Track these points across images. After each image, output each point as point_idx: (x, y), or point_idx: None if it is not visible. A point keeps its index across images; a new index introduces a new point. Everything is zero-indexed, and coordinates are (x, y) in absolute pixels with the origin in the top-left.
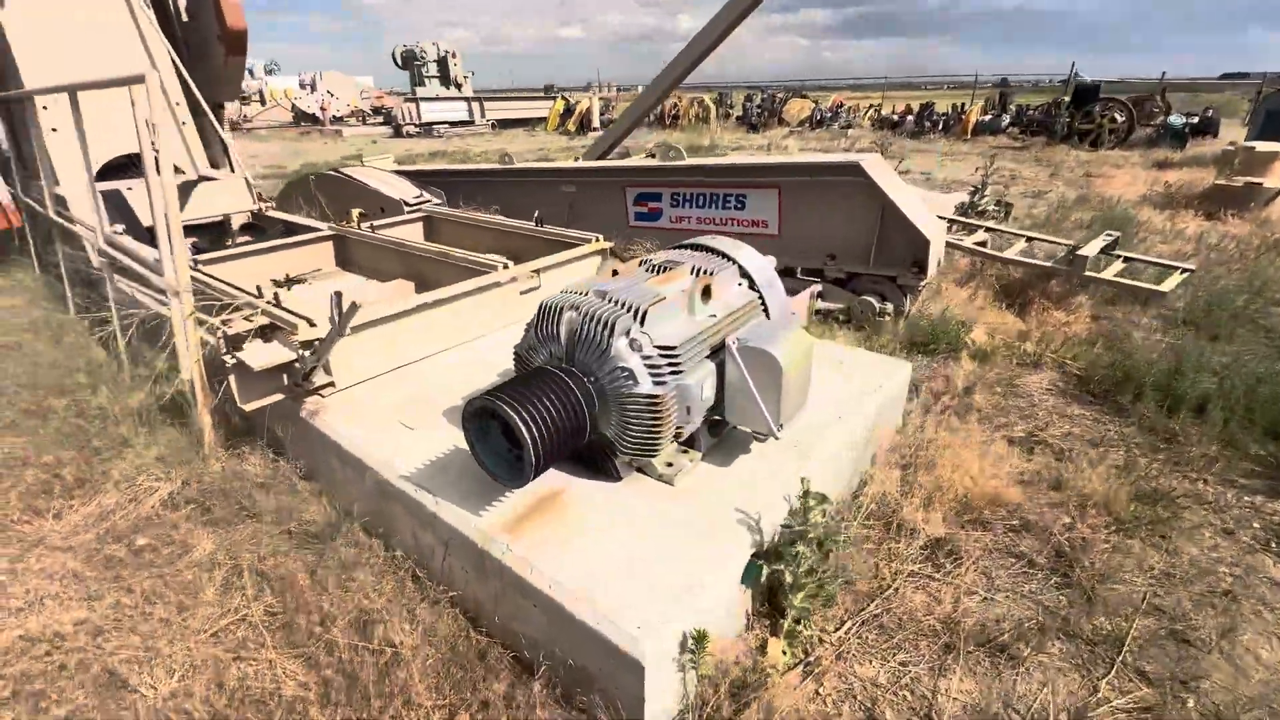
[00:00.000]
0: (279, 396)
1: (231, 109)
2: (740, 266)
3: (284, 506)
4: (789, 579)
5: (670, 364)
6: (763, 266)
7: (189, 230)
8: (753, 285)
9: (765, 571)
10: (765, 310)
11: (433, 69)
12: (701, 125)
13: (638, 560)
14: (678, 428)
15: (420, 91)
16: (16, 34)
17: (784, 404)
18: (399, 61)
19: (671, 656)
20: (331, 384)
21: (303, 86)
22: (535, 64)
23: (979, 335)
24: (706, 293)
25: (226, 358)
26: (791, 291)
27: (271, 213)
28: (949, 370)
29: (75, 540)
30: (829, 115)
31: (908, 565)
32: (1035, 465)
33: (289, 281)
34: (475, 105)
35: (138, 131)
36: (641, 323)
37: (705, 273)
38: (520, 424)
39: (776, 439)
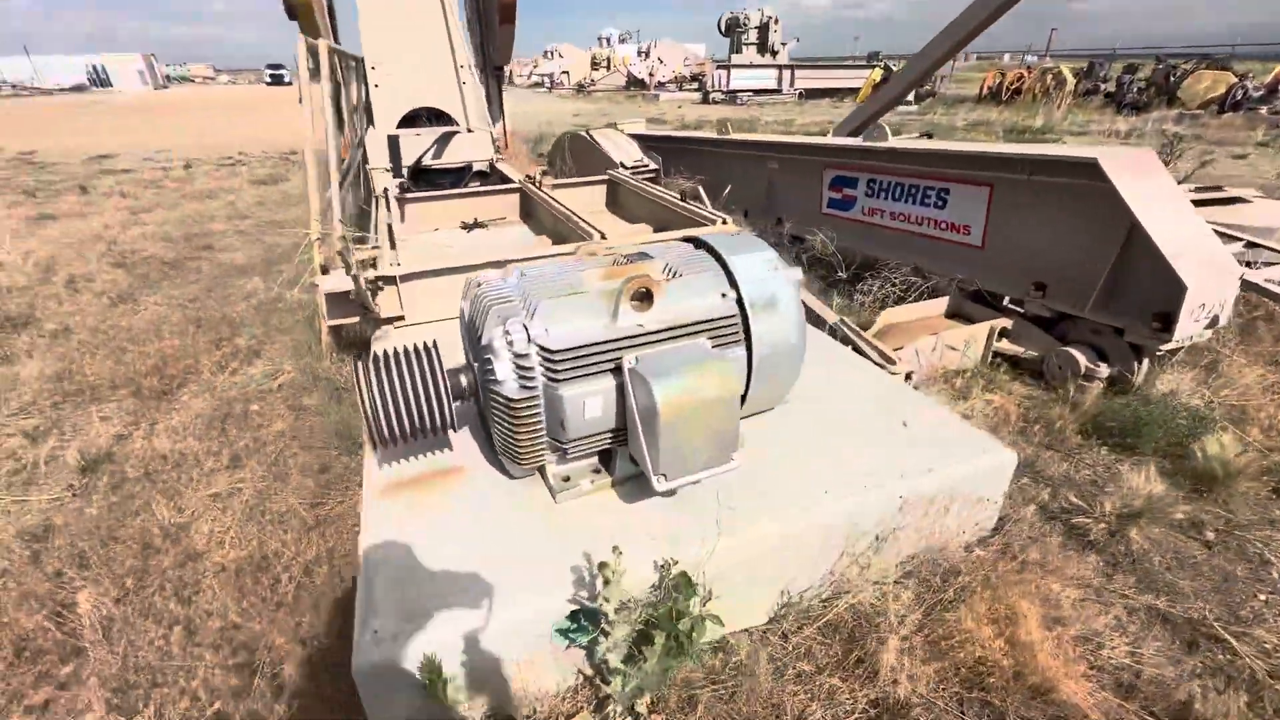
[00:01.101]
0: (355, 319)
1: (580, 74)
2: (728, 274)
3: (343, 414)
4: (601, 654)
5: (547, 368)
6: (760, 279)
7: (441, 173)
8: (741, 301)
9: (583, 636)
10: (747, 333)
11: (752, 35)
12: (1045, 101)
13: (440, 559)
14: (563, 442)
15: (735, 59)
16: (366, 11)
17: (662, 452)
18: (722, 29)
19: (408, 677)
20: (402, 318)
21: (639, 54)
22: (891, 30)
23: (1233, 440)
24: (643, 297)
25: (315, 280)
26: (971, 321)
27: (500, 164)
28: (1123, 483)
29: (226, 394)
30: (1259, 94)
31: (833, 712)
32: (1136, 666)
33: (474, 224)
34: (785, 73)
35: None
36: (532, 316)
37: (674, 273)
38: (362, 393)
39: (658, 492)
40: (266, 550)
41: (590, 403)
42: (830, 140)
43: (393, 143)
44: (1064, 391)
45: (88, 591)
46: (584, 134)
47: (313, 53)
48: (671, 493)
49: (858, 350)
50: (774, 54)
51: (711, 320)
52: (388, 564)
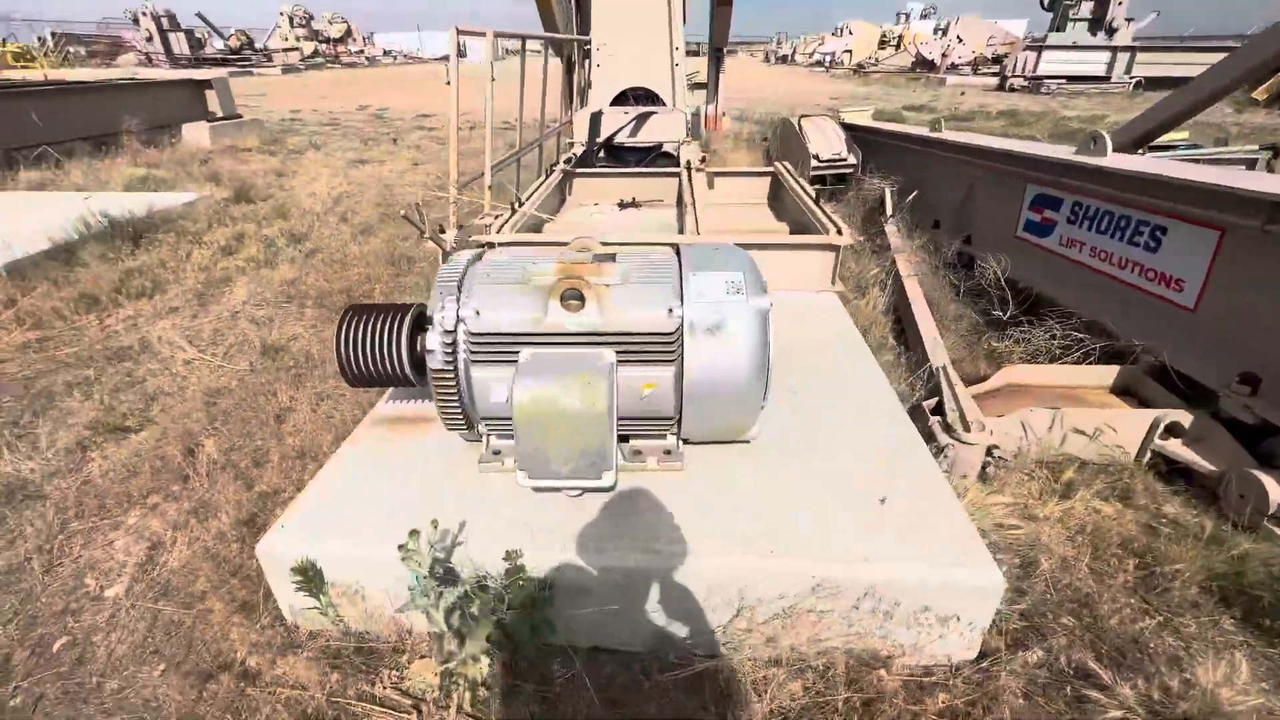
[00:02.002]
0: None
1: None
2: (679, 288)
3: None
4: (436, 614)
5: (468, 347)
6: (712, 301)
7: (633, 150)
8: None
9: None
10: (680, 361)
11: (1083, 10)
12: None
13: (369, 491)
14: (474, 419)
15: (1053, 38)
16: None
17: (521, 452)
18: (1044, 2)
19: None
20: None
21: (935, 32)
22: None
23: None
24: (574, 298)
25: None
26: (1146, 404)
27: (684, 147)
28: (1199, 670)
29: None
30: None
31: None
32: None
33: (629, 204)
34: (1120, 57)
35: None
36: (467, 298)
37: (627, 280)
38: (337, 333)
39: (520, 486)
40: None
41: (496, 388)
42: (1036, 148)
43: (594, 119)
44: (1234, 527)
45: (213, 440)
46: (792, 121)
47: (550, 32)
48: (582, 495)
49: (940, 405)
50: (1111, 32)
51: (644, 334)
52: (330, 480)
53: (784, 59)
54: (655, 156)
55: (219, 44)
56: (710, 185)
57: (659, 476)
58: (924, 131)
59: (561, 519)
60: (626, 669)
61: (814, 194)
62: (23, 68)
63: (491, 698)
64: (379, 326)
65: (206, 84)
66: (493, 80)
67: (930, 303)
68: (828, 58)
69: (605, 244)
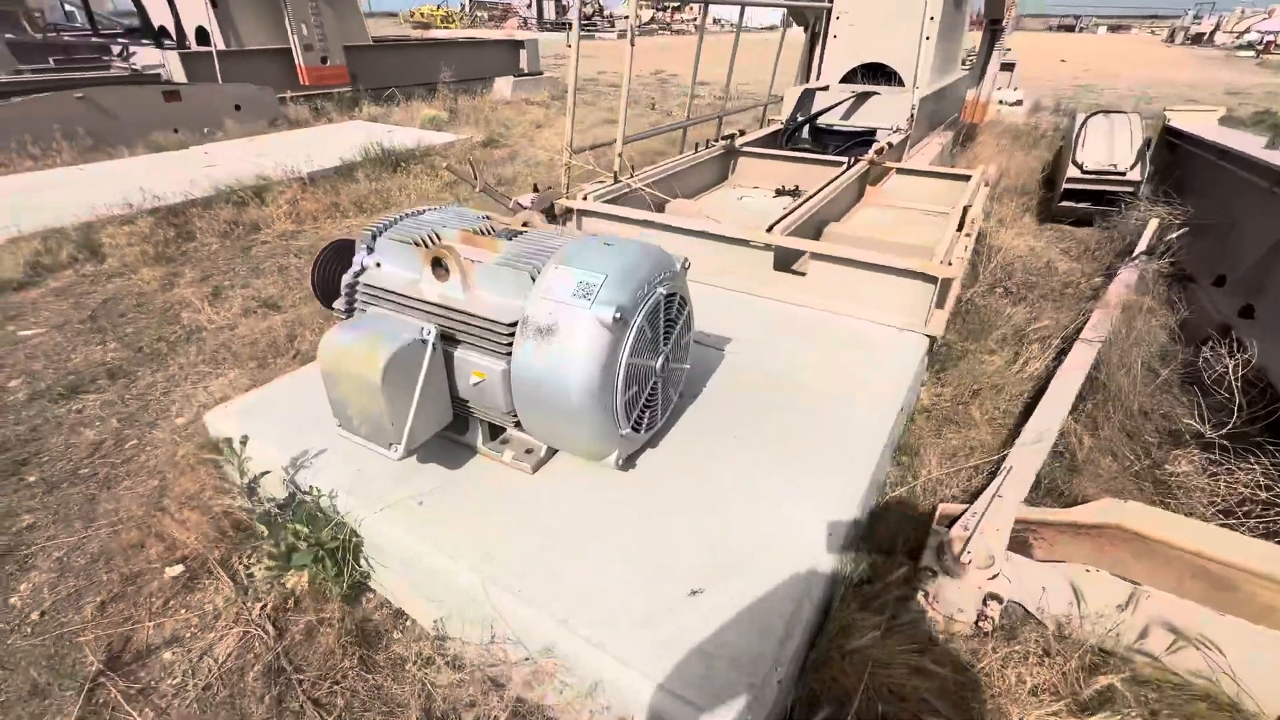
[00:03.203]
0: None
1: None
2: (533, 276)
3: None
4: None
5: (361, 296)
6: (555, 301)
7: (843, 135)
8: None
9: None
10: (511, 358)
11: None
12: None
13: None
14: None
15: None
16: None
17: (331, 402)
18: None
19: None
20: None
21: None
22: None
23: None
24: (438, 266)
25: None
26: None
27: (893, 135)
28: None
29: None
30: None
31: None
32: None
33: (786, 192)
34: None
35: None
36: (372, 251)
37: (507, 263)
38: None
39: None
40: None
41: None
42: None
43: (805, 96)
44: None
45: (311, 333)
46: (1080, 115)
47: None
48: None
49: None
50: None
51: (484, 320)
52: (279, 386)
53: (1197, 39)
54: (856, 144)
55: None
56: (873, 181)
57: (505, 471)
58: (1251, 146)
59: (391, 480)
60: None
61: (978, 213)
62: (444, 26)
63: (294, 613)
64: (329, 261)
65: (521, 44)
66: (632, 45)
67: (1106, 383)
68: (1266, 39)
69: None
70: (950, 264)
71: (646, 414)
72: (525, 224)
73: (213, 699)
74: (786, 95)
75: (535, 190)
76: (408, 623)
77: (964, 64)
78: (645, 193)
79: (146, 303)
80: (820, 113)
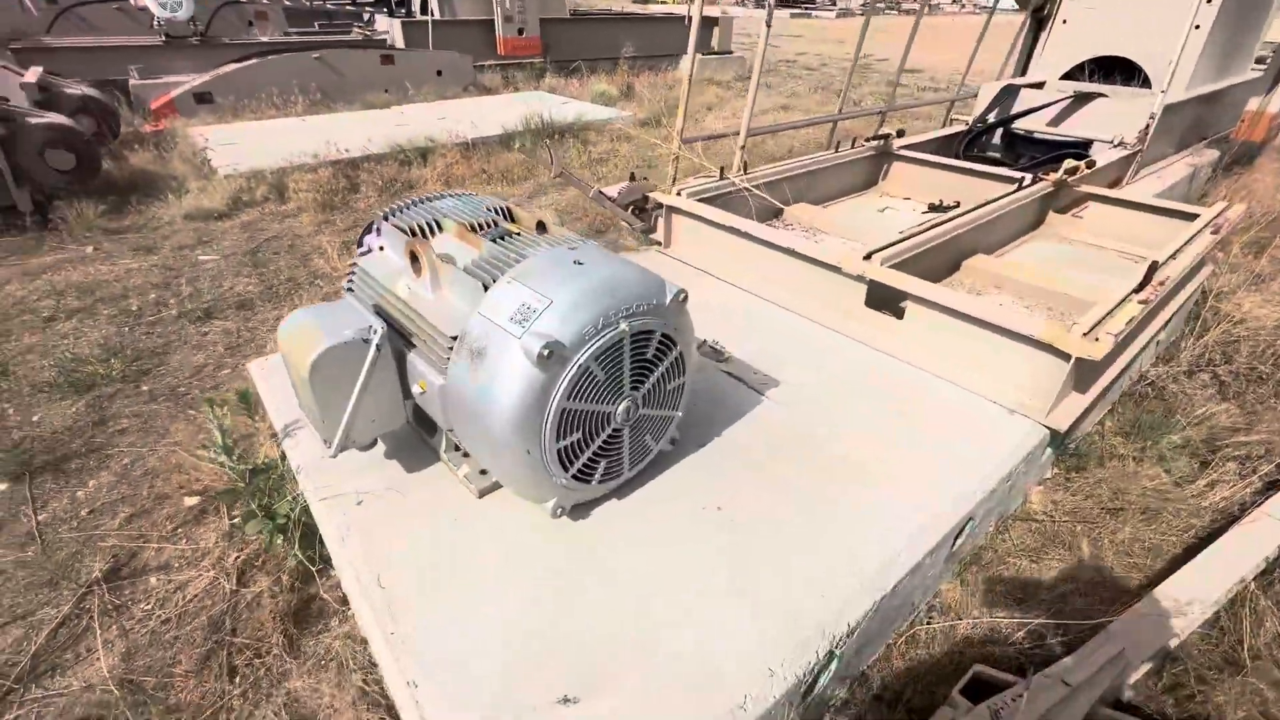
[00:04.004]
0: (639, 226)
1: None
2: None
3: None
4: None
5: (359, 278)
6: (494, 320)
7: (1037, 143)
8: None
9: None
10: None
11: None
12: None
13: None
14: None
15: None
16: None
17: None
18: None
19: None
20: (659, 243)
21: None
22: None
23: None
24: (413, 260)
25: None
26: None
27: (1113, 150)
28: None
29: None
30: None
31: None
32: None
33: (942, 206)
34: None
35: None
36: (379, 234)
37: (476, 269)
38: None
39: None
40: None
41: None
42: None
43: (1004, 92)
44: None
45: None
46: None
47: None
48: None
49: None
50: None
51: (432, 327)
52: None
53: None
54: (1060, 157)
55: None
56: (1061, 207)
57: (455, 489)
58: None
59: (351, 469)
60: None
61: (1181, 270)
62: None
63: (258, 573)
64: (362, 235)
65: (715, 21)
66: (768, 26)
67: None
68: None
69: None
70: (1098, 339)
71: (601, 464)
72: (538, 226)
73: (161, 636)
74: (982, 91)
75: (631, 179)
76: (351, 612)
77: (1259, 64)
78: (751, 194)
79: (297, 245)
80: (1021, 114)
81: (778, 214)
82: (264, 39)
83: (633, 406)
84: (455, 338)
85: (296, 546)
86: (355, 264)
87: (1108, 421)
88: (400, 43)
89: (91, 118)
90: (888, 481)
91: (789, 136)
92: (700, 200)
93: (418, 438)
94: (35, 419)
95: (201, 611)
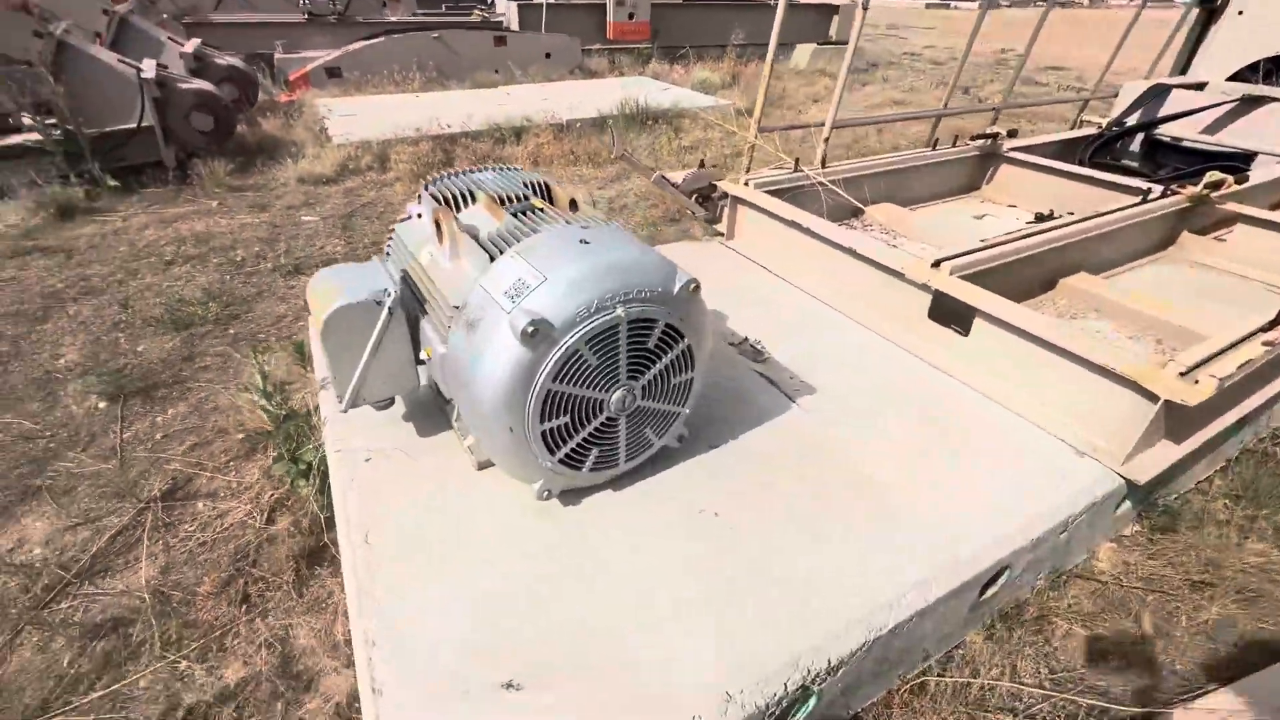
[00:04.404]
0: (701, 214)
1: None
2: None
3: None
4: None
5: (397, 240)
6: (494, 293)
7: (1186, 152)
8: None
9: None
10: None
11: None
12: None
13: None
14: None
15: None
16: None
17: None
18: None
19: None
20: (721, 234)
21: None
22: None
23: None
24: (438, 227)
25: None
26: None
27: (1275, 167)
28: None
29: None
30: None
31: None
32: None
33: (1046, 216)
34: None
35: None
36: (420, 199)
37: (494, 239)
38: None
39: None
40: None
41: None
42: None
43: (1150, 93)
44: None
45: None
46: None
47: None
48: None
49: None
50: None
51: (441, 294)
52: None
53: None
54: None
55: None
56: (1199, 228)
57: (459, 457)
58: None
59: (372, 423)
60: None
61: None
62: None
63: (285, 510)
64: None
65: (835, 9)
66: (865, 9)
67: None
68: None
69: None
70: (1198, 382)
71: (593, 451)
72: (569, 202)
73: (196, 556)
74: (1124, 90)
75: (701, 166)
76: None
77: None
78: (825, 189)
79: (386, 212)
80: (1170, 118)
81: (857, 213)
82: (394, 19)
83: (629, 396)
84: (458, 307)
85: (315, 492)
86: (394, 229)
87: (1217, 480)
88: (515, 25)
89: (235, 86)
90: (913, 511)
91: (896, 134)
92: (768, 192)
93: (436, 402)
94: (140, 349)
95: (232, 540)
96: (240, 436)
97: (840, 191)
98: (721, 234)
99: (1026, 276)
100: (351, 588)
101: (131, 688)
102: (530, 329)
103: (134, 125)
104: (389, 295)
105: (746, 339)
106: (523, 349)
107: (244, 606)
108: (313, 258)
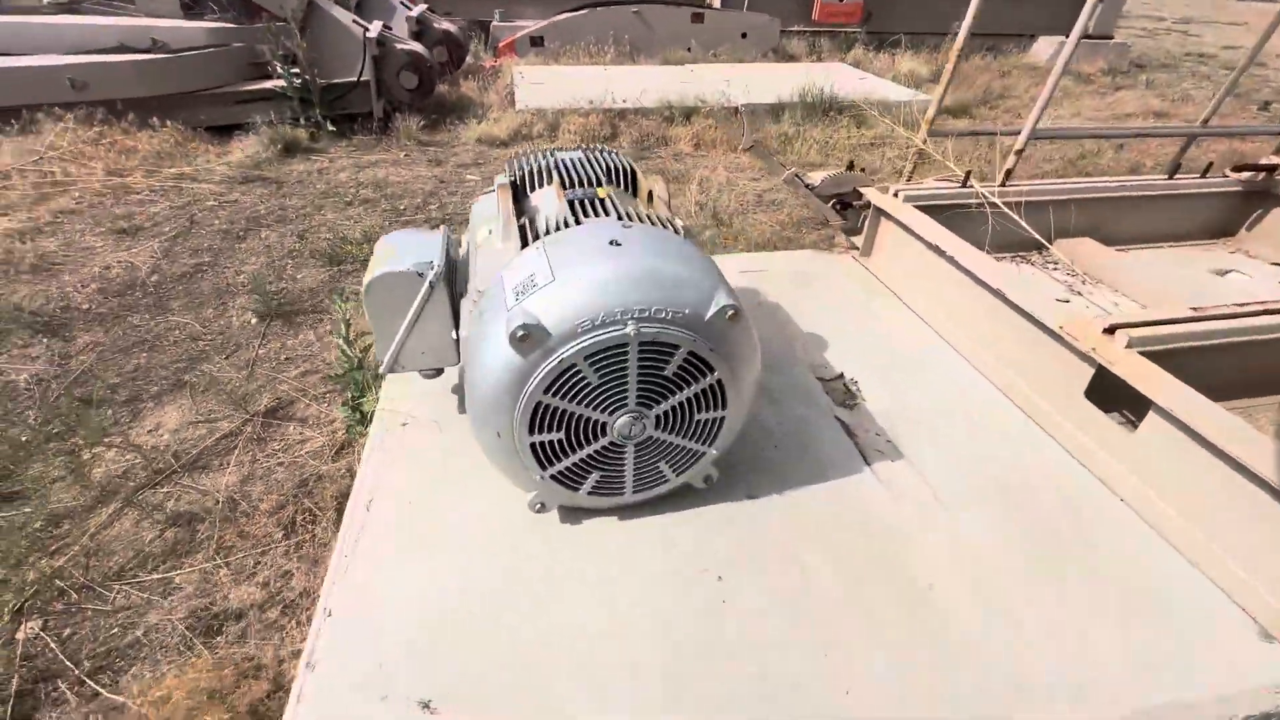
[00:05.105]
0: (839, 222)
1: None
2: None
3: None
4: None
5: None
6: (497, 288)
7: None
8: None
9: None
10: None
11: None
12: None
13: None
14: None
15: None
16: None
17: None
18: None
19: None
20: (856, 247)
21: None
22: None
23: None
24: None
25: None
26: None
27: None
28: None
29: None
30: None
31: None
32: None
33: None
34: None
35: None
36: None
37: (547, 223)
38: None
39: None
40: None
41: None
42: None
43: None
44: None
45: None
46: None
47: None
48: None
49: None
50: None
51: (473, 276)
52: None
53: None
54: None
55: None
56: None
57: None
58: None
59: (422, 387)
60: None
61: None
62: None
63: (349, 451)
64: None
65: None
66: None
67: None
68: None
69: None
70: None
71: (593, 475)
72: (651, 194)
73: (270, 475)
74: None
75: (849, 168)
76: None
77: None
78: (996, 212)
79: None
80: None
81: (1041, 247)
82: None
83: (637, 424)
84: (481, 292)
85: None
86: (476, 200)
87: None
88: (717, 2)
89: (445, 49)
90: (975, 655)
91: (1146, 154)
92: (919, 207)
93: None
94: (299, 276)
95: (303, 466)
96: (340, 373)
97: (1014, 215)
98: (858, 248)
99: (1252, 370)
100: (337, 550)
101: (181, 579)
102: (521, 333)
103: (354, 79)
104: (432, 268)
105: (842, 375)
106: (509, 352)
107: (286, 532)
108: (461, 214)
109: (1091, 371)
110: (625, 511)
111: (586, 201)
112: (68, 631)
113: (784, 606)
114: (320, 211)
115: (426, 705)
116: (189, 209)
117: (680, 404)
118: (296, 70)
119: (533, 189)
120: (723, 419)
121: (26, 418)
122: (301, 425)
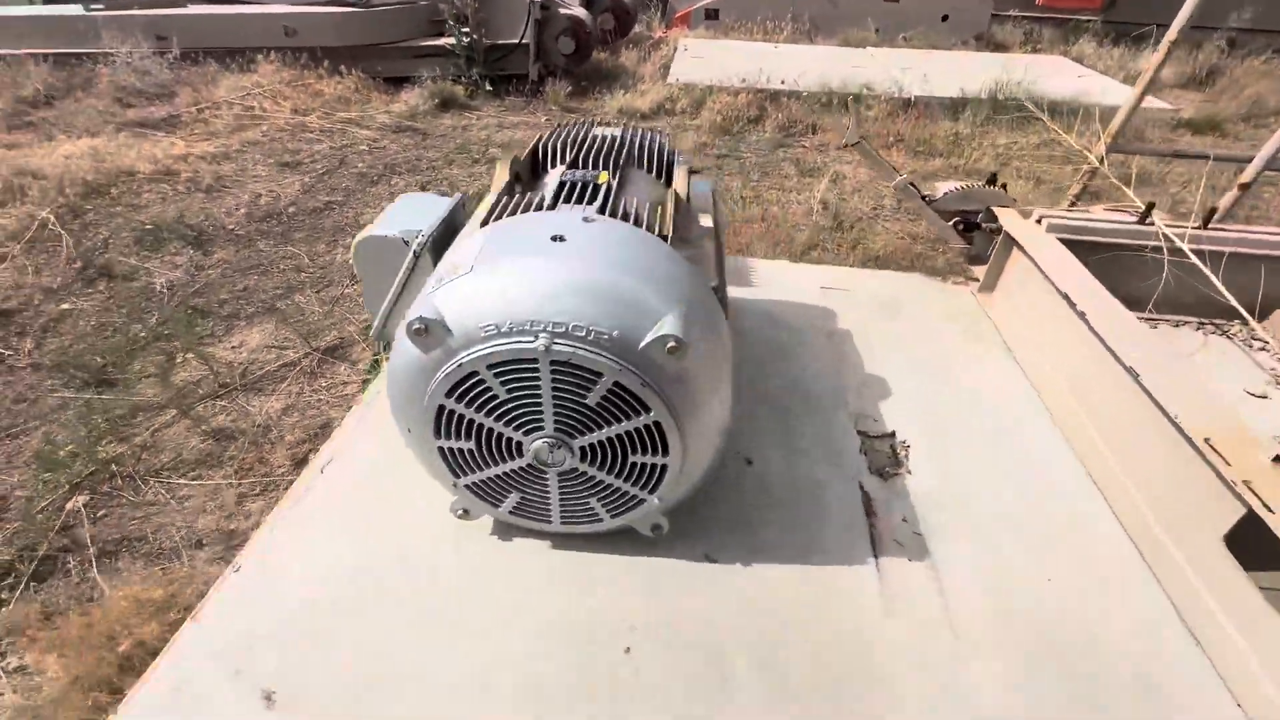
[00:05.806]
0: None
1: None
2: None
3: None
4: None
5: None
6: (433, 281)
7: None
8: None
9: None
10: None
11: None
12: None
13: None
14: None
15: None
16: None
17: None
18: None
19: None
20: (977, 279)
21: None
22: None
23: None
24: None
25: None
26: None
27: None
28: None
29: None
30: None
31: None
32: None
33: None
34: None
35: None
36: None
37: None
38: None
39: None
40: None
41: None
42: None
43: None
44: None
45: None
46: None
47: None
48: None
49: None
50: None
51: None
52: None
53: None
54: None
55: None
56: None
57: None
58: None
59: None
60: None
61: None
62: None
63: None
64: None
65: None
66: None
67: None
68: None
69: None
70: None
71: (512, 495)
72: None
73: (307, 409)
74: None
75: (990, 182)
76: None
77: None
78: (1184, 262)
79: None
80: None
81: (1234, 315)
82: None
83: (556, 451)
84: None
85: None
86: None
87: None
88: None
89: (613, 16)
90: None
91: None
92: (1067, 240)
93: None
94: None
95: (335, 407)
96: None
97: (1204, 268)
98: (978, 280)
99: None
100: (284, 503)
101: (196, 491)
102: (417, 326)
103: (515, 41)
104: (418, 237)
105: (893, 434)
106: (407, 341)
107: (295, 468)
108: None
109: (1242, 512)
110: (561, 540)
111: (576, 185)
112: (102, 513)
113: (688, 707)
114: (450, 165)
115: (269, 697)
116: (343, 151)
117: (609, 440)
118: (466, 30)
119: (552, 165)
120: (663, 466)
121: (150, 318)
122: (350, 367)
